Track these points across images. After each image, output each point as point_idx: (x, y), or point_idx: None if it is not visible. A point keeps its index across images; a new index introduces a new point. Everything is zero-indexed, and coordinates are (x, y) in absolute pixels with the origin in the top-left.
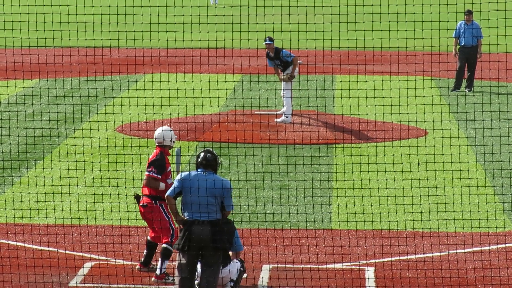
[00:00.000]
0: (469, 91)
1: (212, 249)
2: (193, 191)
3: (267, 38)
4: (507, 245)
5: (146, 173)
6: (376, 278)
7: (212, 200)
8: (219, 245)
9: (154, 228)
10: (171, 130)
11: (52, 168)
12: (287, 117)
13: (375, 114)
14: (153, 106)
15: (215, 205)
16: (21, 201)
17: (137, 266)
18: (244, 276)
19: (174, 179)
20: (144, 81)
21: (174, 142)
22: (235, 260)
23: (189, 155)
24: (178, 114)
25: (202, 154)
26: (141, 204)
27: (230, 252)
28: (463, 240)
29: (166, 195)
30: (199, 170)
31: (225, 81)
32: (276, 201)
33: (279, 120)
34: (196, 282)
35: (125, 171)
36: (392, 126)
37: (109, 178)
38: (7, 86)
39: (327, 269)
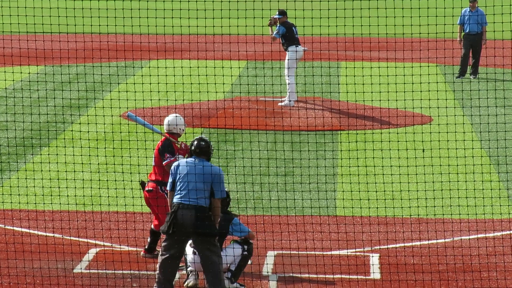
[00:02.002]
0: (474, 77)
1: (197, 235)
2: (183, 177)
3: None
4: (511, 231)
5: (165, 162)
6: (381, 264)
7: (200, 186)
8: (200, 230)
9: (158, 216)
10: (180, 119)
11: (57, 154)
12: (290, 100)
13: (380, 100)
14: (159, 92)
15: (203, 191)
16: (26, 187)
17: (142, 253)
18: (249, 262)
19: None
20: (149, 67)
21: (183, 130)
22: (236, 245)
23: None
24: (183, 100)
25: (195, 142)
26: (146, 189)
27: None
28: (467, 226)
29: (167, 190)
30: (192, 158)
31: (230, 68)
32: (281, 187)
33: (282, 103)
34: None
35: (130, 157)
36: (397, 112)
37: (114, 164)
38: (13, 72)
39: (332, 255)
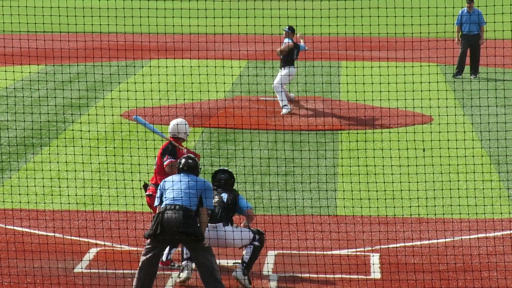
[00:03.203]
0: (474, 77)
1: (184, 236)
2: (171, 186)
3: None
4: (511, 231)
5: (165, 163)
6: (381, 264)
7: (189, 192)
8: (190, 230)
9: None
10: (185, 124)
11: (57, 154)
12: (285, 105)
13: (380, 100)
14: (159, 91)
15: (192, 197)
16: (27, 186)
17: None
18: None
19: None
20: (150, 66)
21: (188, 135)
22: (245, 229)
23: (194, 141)
24: (184, 99)
25: (183, 160)
26: (146, 193)
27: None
28: (467, 226)
29: (156, 206)
30: (181, 174)
31: (231, 67)
32: (281, 187)
33: (283, 112)
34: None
35: (130, 156)
36: (398, 112)
37: (114, 163)
38: (14, 72)
39: (332, 255)
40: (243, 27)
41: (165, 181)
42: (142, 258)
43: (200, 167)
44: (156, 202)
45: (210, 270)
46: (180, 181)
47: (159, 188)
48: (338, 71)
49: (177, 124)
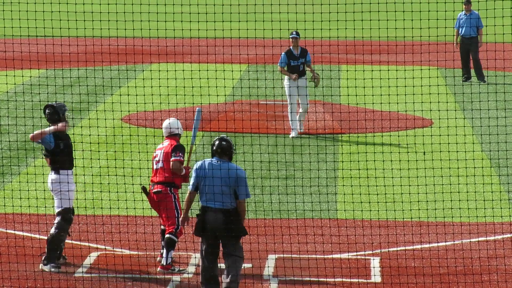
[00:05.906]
0: (483, 83)
1: (227, 237)
2: (208, 180)
3: (294, 32)
4: None
5: (174, 158)
6: (381, 268)
7: (225, 189)
8: (234, 233)
9: (167, 217)
10: (171, 125)
11: None
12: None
13: (381, 103)
14: (160, 95)
15: (229, 194)
16: (28, 190)
17: (158, 258)
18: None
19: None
20: (150, 70)
21: (182, 130)
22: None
23: (195, 145)
24: (184, 103)
25: (217, 142)
26: (154, 190)
27: None
28: (468, 229)
29: (189, 191)
30: (214, 158)
31: (232, 71)
32: (281, 190)
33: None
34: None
35: (131, 160)
36: (398, 116)
37: (115, 167)
38: (14, 76)
39: (333, 258)
40: (243, 31)
41: (199, 169)
42: (200, 250)
43: (234, 149)
44: (192, 188)
45: (233, 269)
46: (214, 174)
47: (194, 172)
48: (338, 74)
49: (172, 122)
